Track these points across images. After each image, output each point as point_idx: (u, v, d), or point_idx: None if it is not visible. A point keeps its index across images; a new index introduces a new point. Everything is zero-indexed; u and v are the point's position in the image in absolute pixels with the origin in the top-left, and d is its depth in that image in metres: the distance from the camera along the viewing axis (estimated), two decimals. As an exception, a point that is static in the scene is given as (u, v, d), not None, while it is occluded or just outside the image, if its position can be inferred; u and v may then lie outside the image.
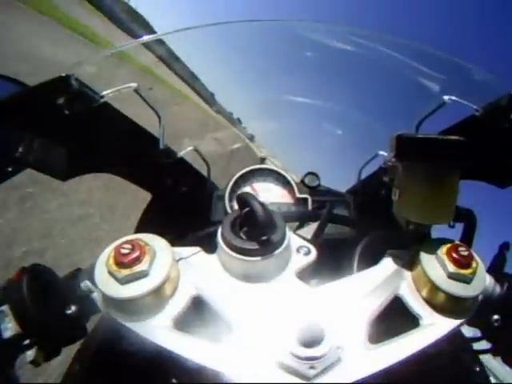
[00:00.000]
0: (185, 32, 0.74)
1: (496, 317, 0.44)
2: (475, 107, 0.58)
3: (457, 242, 0.46)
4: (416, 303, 0.43)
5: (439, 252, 0.44)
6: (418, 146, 0.44)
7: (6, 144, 0.49)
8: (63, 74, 0.54)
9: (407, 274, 0.46)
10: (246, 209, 0.45)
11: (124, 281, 0.38)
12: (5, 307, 0.39)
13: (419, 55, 0.73)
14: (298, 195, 0.86)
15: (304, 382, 0.34)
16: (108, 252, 0.40)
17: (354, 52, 0.81)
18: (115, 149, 0.64)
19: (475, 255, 0.44)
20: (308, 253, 0.47)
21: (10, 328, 0.38)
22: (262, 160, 1.04)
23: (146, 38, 0.72)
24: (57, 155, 0.56)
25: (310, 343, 0.35)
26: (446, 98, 0.61)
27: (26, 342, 0.39)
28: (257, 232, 0.44)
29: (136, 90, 0.61)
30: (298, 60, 0.97)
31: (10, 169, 0.51)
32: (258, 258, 0.43)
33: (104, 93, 0.59)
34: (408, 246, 0.49)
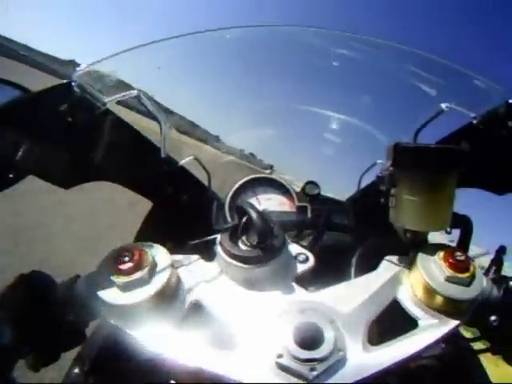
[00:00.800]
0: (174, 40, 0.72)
1: (494, 317, 0.45)
2: (473, 115, 0.59)
3: (453, 247, 0.47)
4: (414, 306, 0.44)
5: (436, 257, 0.44)
6: (414, 155, 0.45)
7: (7, 150, 0.50)
8: (66, 81, 0.54)
9: (405, 279, 0.46)
10: (245, 217, 0.46)
11: (123, 288, 0.38)
12: (3, 313, 0.39)
13: (417, 62, 0.73)
14: (298, 204, 0.87)
15: (304, 383, 0.34)
16: (108, 259, 0.41)
17: (353, 58, 0.81)
18: (117, 156, 0.65)
19: (472, 259, 0.44)
20: (306, 260, 0.48)
21: (9, 334, 0.38)
22: (270, 173, 1.04)
23: (148, 43, 0.72)
24: (59, 162, 0.56)
25: (310, 345, 0.35)
26: (443, 105, 0.61)
27: (25, 347, 0.39)
28: (255, 240, 0.44)
29: (138, 98, 0.62)
30: (297, 67, 0.97)
31: (11, 175, 0.51)
32: (257, 266, 0.44)
33: (106, 100, 0.59)
34: (405, 252, 0.49)
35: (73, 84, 0.54)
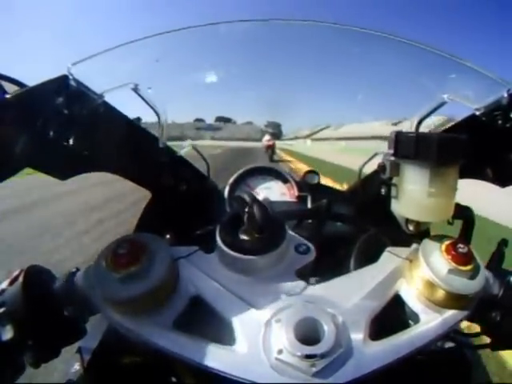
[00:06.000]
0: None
1: (495, 312, 0.44)
2: (475, 106, 0.58)
3: (456, 238, 0.46)
4: (416, 300, 0.44)
5: (438, 249, 0.44)
6: (416, 144, 0.44)
7: (5, 143, 0.49)
8: (62, 74, 0.54)
9: (407, 272, 0.46)
10: (245, 208, 0.46)
11: (122, 281, 0.38)
12: (3, 309, 0.39)
13: (419, 53, 0.72)
14: (298, 193, 0.86)
15: (305, 379, 0.34)
16: (106, 252, 0.41)
17: (353, 49, 0.80)
18: (114, 148, 0.64)
19: (474, 252, 0.44)
20: (307, 251, 0.47)
21: (9, 330, 0.38)
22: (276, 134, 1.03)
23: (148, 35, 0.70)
24: (56, 154, 0.56)
25: (310, 341, 0.35)
26: (446, 96, 0.60)
27: (25, 343, 0.39)
28: (255, 231, 0.44)
29: (135, 89, 0.61)
30: (296, 59, 0.95)
31: (8, 168, 0.51)
32: (257, 257, 0.43)
33: (102, 92, 0.59)
34: (407, 243, 0.49)
35: (68, 77, 0.54)
